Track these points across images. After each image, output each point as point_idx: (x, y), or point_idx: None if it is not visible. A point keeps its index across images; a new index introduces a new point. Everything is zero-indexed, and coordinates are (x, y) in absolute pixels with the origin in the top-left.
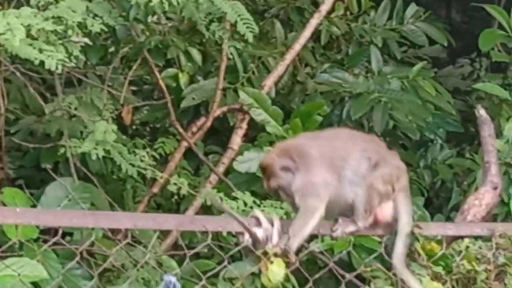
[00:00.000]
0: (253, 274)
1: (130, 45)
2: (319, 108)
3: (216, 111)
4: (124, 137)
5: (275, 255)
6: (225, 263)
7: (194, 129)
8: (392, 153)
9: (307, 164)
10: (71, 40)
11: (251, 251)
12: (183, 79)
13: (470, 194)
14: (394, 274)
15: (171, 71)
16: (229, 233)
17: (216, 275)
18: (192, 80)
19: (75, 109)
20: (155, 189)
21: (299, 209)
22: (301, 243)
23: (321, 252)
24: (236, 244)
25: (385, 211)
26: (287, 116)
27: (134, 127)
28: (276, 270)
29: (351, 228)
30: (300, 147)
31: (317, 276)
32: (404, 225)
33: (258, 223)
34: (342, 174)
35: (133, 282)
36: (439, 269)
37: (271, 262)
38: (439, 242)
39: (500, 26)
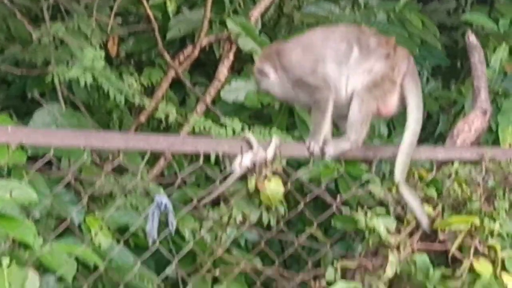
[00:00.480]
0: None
1: None
2: None
3: (204, 40)
4: (109, 66)
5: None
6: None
7: (181, 58)
8: (381, 39)
9: (292, 67)
10: None
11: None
12: (170, 7)
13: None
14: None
15: None
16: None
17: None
18: (178, 11)
19: (62, 37)
20: (143, 118)
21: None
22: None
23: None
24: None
25: (389, 105)
26: None
27: (119, 58)
28: (275, 188)
29: (343, 145)
30: (282, 50)
31: (307, 200)
32: (411, 124)
33: (249, 146)
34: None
35: (121, 208)
36: (432, 192)
37: (269, 180)
38: (427, 170)
39: None
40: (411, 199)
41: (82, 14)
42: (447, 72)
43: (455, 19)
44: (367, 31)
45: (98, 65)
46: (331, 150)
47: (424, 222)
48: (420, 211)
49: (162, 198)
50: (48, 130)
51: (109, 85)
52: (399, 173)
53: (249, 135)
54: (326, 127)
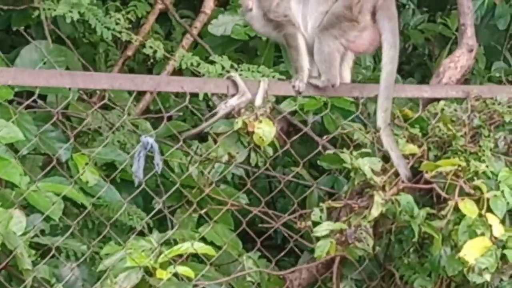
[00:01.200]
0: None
1: None
2: None
3: None
4: (95, 0)
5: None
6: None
7: None
8: None
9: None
10: None
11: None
12: None
13: (442, 58)
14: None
15: None
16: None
17: (192, 138)
18: None
19: None
20: (130, 52)
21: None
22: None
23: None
24: (209, 106)
25: (357, 43)
26: None
27: None
28: (267, 128)
29: (315, 82)
30: None
31: (294, 138)
32: (385, 64)
33: (235, 86)
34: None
35: (109, 144)
36: (415, 131)
37: (260, 122)
38: (412, 109)
39: None
40: (390, 148)
41: None
42: (432, 2)
43: None
44: None
45: (85, 1)
46: (302, 86)
47: (403, 173)
48: (398, 162)
49: (148, 138)
50: (34, 71)
51: (96, 21)
52: (381, 119)
53: (236, 76)
54: (305, 62)
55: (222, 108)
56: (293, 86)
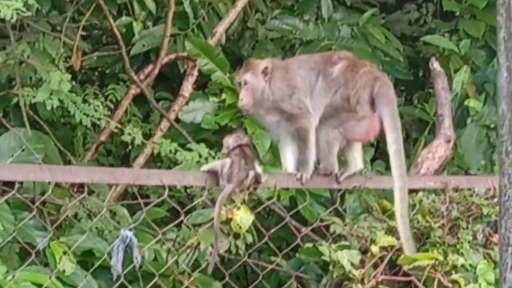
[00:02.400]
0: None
1: None
2: None
3: (164, 59)
4: (74, 83)
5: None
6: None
7: (142, 76)
8: (346, 67)
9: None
10: None
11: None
12: (137, 28)
13: (420, 147)
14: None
15: (125, 19)
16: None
17: (168, 223)
18: (143, 25)
19: (28, 57)
20: (103, 137)
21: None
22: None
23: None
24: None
25: (355, 132)
26: (238, 62)
27: (83, 72)
28: (245, 216)
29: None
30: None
31: (273, 230)
32: (392, 155)
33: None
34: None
35: (86, 232)
36: (394, 223)
37: (238, 208)
38: (390, 201)
39: None
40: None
41: (48, 34)
42: (409, 83)
43: (417, 29)
44: (336, 57)
45: (65, 87)
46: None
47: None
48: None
49: (127, 232)
50: (13, 166)
51: (75, 108)
52: (399, 208)
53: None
54: (313, 156)
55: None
56: (298, 179)
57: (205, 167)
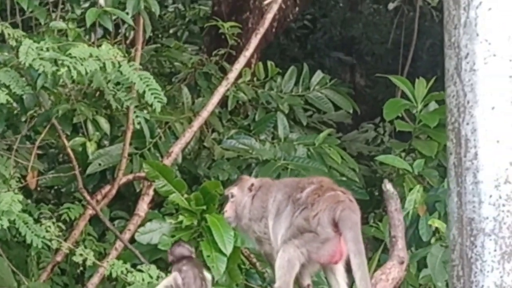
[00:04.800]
0: None
1: (37, 112)
2: (216, 187)
3: (122, 179)
4: (29, 201)
5: None
6: None
7: (99, 197)
8: (313, 191)
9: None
10: None
11: None
12: (91, 148)
13: (374, 266)
14: None
15: (78, 140)
16: None
17: None
18: (99, 145)
19: None
20: (59, 258)
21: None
22: None
23: None
24: None
25: (321, 254)
26: (194, 181)
27: (38, 189)
28: None
29: None
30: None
31: None
32: (355, 273)
33: None
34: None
35: None
36: None
37: None
38: None
39: (404, 94)
40: None
41: (1, 155)
42: (365, 202)
43: (374, 148)
44: (306, 182)
45: (16, 208)
46: None
47: None
48: None
49: None
50: None
51: (26, 229)
52: None
53: None
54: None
55: None
56: None
57: None
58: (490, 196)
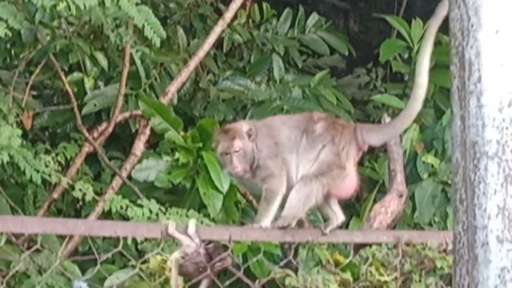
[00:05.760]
0: None
1: (34, 48)
2: (212, 124)
3: (118, 117)
4: (24, 142)
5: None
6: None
7: (96, 134)
8: (328, 124)
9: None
10: None
11: None
12: (88, 83)
13: (369, 205)
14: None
15: (76, 75)
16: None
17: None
18: (94, 85)
19: None
20: (56, 195)
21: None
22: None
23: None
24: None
25: (341, 188)
26: (189, 122)
27: (33, 131)
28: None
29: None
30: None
31: (227, 283)
32: None
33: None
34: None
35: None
36: (347, 276)
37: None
38: (343, 254)
39: (398, 37)
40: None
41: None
42: None
43: (367, 93)
44: (316, 116)
45: (15, 143)
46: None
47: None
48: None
49: (80, 283)
50: None
51: (25, 164)
52: None
53: (172, 229)
54: (269, 219)
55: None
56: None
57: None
58: (494, 119)
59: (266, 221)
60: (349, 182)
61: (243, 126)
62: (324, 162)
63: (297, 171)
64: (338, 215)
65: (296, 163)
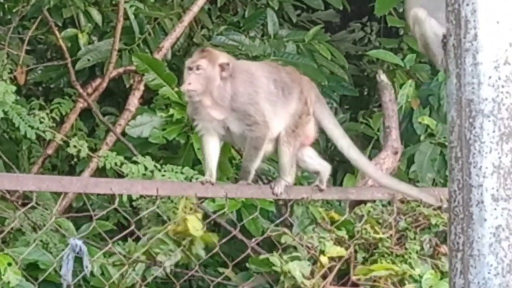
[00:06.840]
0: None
1: (28, 3)
2: None
3: (112, 72)
4: (18, 97)
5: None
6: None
7: (90, 90)
8: (292, 75)
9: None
10: None
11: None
12: (82, 39)
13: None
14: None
15: (70, 31)
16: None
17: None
18: (88, 40)
19: None
20: (50, 151)
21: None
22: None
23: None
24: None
25: (310, 136)
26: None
27: (27, 86)
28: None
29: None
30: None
31: (223, 241)
32: (340, 139)
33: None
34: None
35: (31, 244)
36: (342, 233)
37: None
38: (338, 212)
39: None
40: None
41: None
42: (354, 101)
43: (361, 48)
44: (279, 67)
45: (9, 99)
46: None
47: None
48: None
49: (76, 241)
50: None
51: (20, 120)
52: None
53: None
54: (256, 166)
55: None
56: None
57: None
58: (490, 77)
59: (289, 178)
60: (313, 127)
61: (221, 56)
62: (297, 112)
63: (275, 124)
64: (325, 165)
65: (274, 112)
